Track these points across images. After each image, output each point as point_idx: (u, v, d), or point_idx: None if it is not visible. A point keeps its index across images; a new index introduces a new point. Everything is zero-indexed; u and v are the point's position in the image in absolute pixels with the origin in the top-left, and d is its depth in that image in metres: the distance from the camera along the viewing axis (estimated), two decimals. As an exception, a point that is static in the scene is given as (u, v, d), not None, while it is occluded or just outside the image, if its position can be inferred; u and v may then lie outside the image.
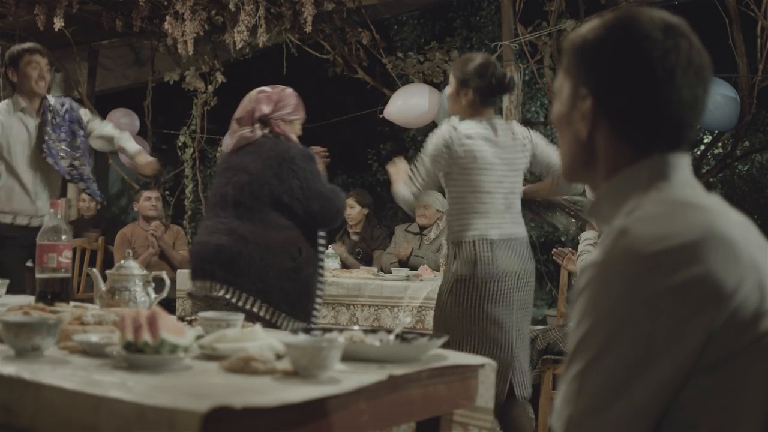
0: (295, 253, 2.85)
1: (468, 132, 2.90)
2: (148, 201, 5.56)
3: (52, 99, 3.82)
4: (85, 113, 3.92)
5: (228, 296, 2.71)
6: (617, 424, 0.96)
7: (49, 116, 3.75)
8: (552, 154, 3.05)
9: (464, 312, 2.87)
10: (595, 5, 5.01)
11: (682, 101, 1.06)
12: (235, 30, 5.56)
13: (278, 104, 2.98)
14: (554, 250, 3.76)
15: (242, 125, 2.95)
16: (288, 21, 5.71)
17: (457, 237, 2.92)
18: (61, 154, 3.73)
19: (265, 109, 2.95)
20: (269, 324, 2.71)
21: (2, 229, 3.71)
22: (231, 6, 5.42)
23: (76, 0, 5.65)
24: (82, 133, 3.83)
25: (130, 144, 3.83)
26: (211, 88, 6.59)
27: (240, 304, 2.70)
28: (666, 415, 0.97)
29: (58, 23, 5.67)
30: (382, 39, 5.98)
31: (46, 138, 3.70)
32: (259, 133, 2.93)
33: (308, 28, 5.40)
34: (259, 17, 5.49)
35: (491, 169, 2.90)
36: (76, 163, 3.79)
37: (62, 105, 3.82)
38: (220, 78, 6.47)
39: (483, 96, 2.95)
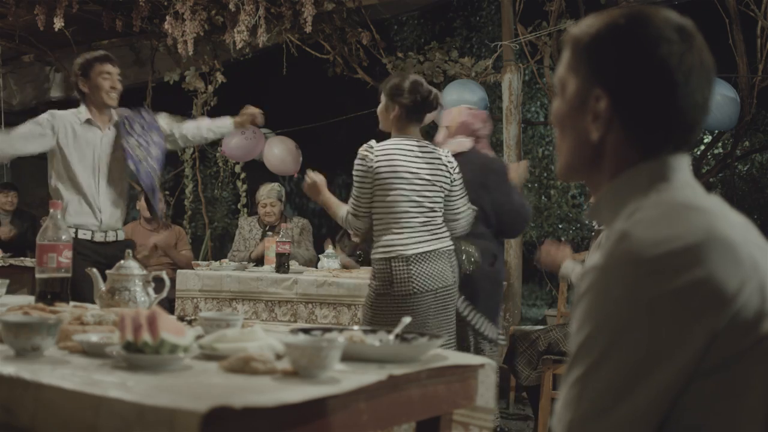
0: (492, 259, 3.25)
1: (384, 149, 3.00)
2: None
3: (124, 111, 3.73)
4: (162, 118, 3.84)
5: None
6: (619, 428, 0.96)
7: (126, 126, 3.66)
8: (461, 206, 3.14)
9: (382, 324, 2.90)
10: (595, 5, 5.01)
11: (695, 103, 1.06)
12: (235, 30, 5.56)
13: (485, 124, 3.53)
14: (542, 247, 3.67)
15: (455, 135, 3.37)
16: (288, 21, 5.71)
17: (376, 255, 3.01)
18: (141, 160, 3.64)
19: (478, 125, 3.41)
20: (464, 320, 3.18)
21: None
22: (231, 6, 5.42)
23: (76, 0, 5.65)
24: (157, 138, 3.73)
25: (219, 124, 3.90)
26: (211, 88, 6.59)
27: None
28: (668, 418, 0.97)
29: (58, 23, 5.66)
30: (382, 39, 5.98)
31: (126, 146, 3.61)
32: (470, 145, 3.35)
33: (308, 28, 5.40)
34: (259, 17, 5.49)
35: (409, 184, 2.97)
36: (152, 172, 3.71)
37: (140, 114, 3.73)
38: (220, 78, 6.47)
39: (408, 112, 3.05)
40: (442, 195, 3.06)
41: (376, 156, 2.97)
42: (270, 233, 5.09)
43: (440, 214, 3.07)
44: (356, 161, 3.02)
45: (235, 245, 5.44)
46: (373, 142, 3.05)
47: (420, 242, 2.97)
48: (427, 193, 3.01)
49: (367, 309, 3.04)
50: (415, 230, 2.97)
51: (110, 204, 3.64)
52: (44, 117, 3.59)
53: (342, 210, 3.11)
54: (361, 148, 3.03)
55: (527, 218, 3.46)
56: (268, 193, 5.30)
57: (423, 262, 2.95)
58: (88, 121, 3.60)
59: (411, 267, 2.93)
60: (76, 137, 3.57)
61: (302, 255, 5.07)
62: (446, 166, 3.08)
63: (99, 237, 3.61)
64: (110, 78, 3.59)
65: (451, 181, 3.09)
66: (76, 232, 3.54)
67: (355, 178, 3.02)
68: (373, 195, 3.00)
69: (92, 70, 3.58)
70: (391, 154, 2.98)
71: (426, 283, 2.94)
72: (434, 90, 3.10)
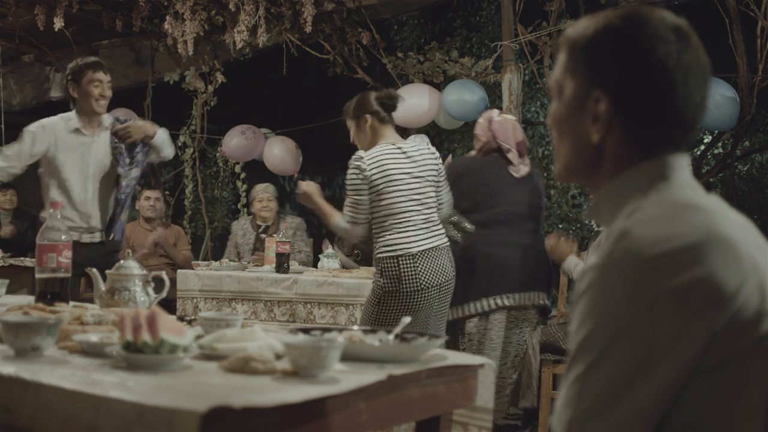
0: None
1: (374, 156, 3.11)
2: (147, 201, 5.56)
3: (113, 117, 3.79)
4: None
5: (547, 303, 3.60)
6: (618, 426, 0.96)
7: (120, 154, 3.71)
8: (445, 194, 3.32)
9: (387, 320, 3.04)
10: (595, 5, 5.01)
11: (694, 102, 1.06)
12: (235, 30, 5.55)
13: None
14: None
15: (524, 155, 3.73)
16: (288, 21, 5.71)
17: (381, 254, 3.09)
18: (130, 167, 3.73)
19: None
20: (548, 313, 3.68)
21: None
22: (231, 6, 5.42)
23: (76, 0, 5.65)
24: (142, 150, 3.79)
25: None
26: (211, 88, 6.59)
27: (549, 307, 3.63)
28: (667, 417, 0.97)
29: (58, 23, 5.66)
30: (382, 39, 5.97)
31: (118, 155, 3.68)
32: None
33: (308, 28, 5.40)
34: (259, 17, 5.49)
35: (403, 186, 3.09)
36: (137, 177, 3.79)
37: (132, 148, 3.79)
38: (220, 78, 6.47)
39: (379, 116, 3.20)
40: (434, 189, 3.20)
41: (368, 164, 3.07)
42: (264, 235, 5.07)
43: (435, 210, 3.20)
44: (350, 172, 3.11)
45: (226, 253, 5.42)
46: (361, 152, 3.14)
47: (423, 239, 3.09)
48: (423, 190, 3.14)
49: (372, 306, 3.10)
50: (417, 228, 3.08)
51: (98, 207, 3.72)
52: (31, 132, 3.63)
53: (336, 218, 3.17)
54: (351, 160, 3.13)
55: None
56: (265, 189, 5.36)
57: (428, 259, 3.07)
58: (77, 131, 3.66)
59: (418, 263, 3.04)
60: (65, 143, 3.63)
61: (299, 259, 5.02)
62: (432, 157, 3.22)
63: (86, 239, 3.69)
64: (100, 86, 3.63)
65: (438, 173, 3.23)
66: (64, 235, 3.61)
67: (350, 188, 3.11)
68: (370, 201, 3.10)
69: (83, 77, 3.62)
70: (382, 159, 3.09)
71: (432, 278, 3.06)
72: (385, 90, 3.32)
